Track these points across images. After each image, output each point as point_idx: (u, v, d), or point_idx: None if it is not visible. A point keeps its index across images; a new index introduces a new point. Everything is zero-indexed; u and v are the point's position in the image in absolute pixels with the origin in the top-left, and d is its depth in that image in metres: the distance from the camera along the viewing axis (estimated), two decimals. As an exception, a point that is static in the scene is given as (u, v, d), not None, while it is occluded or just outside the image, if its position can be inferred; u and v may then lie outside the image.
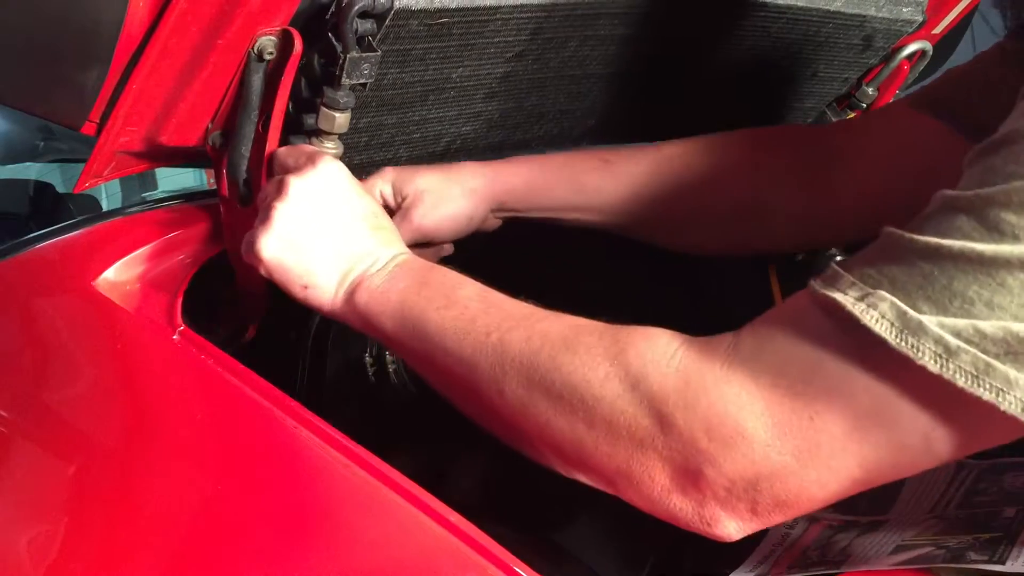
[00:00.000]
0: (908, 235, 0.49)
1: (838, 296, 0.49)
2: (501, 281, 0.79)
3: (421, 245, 0.87)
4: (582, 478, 0.58)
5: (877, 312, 0.47)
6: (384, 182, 0.84)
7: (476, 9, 0.76)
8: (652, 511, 0.55)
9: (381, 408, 0.90)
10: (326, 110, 0.71)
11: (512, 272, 0.90)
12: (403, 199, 0.84)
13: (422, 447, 0.90)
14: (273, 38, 0.68)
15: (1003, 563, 0.64)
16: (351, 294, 0.67)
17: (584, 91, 0.98)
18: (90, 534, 0.63)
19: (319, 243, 0.68)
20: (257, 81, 0.70)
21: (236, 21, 0.65)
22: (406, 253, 0.70)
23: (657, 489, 0.53)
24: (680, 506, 0.53)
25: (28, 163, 3.13)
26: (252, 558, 0.57)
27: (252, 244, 0.68)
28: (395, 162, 0.93)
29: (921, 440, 0.49)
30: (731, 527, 0.53)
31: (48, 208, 2.97)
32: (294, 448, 0.61)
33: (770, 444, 0.50)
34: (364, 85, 0.71)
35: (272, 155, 0.73)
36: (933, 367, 0.46)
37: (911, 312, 0.47)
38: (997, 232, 0.45)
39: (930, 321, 0.46)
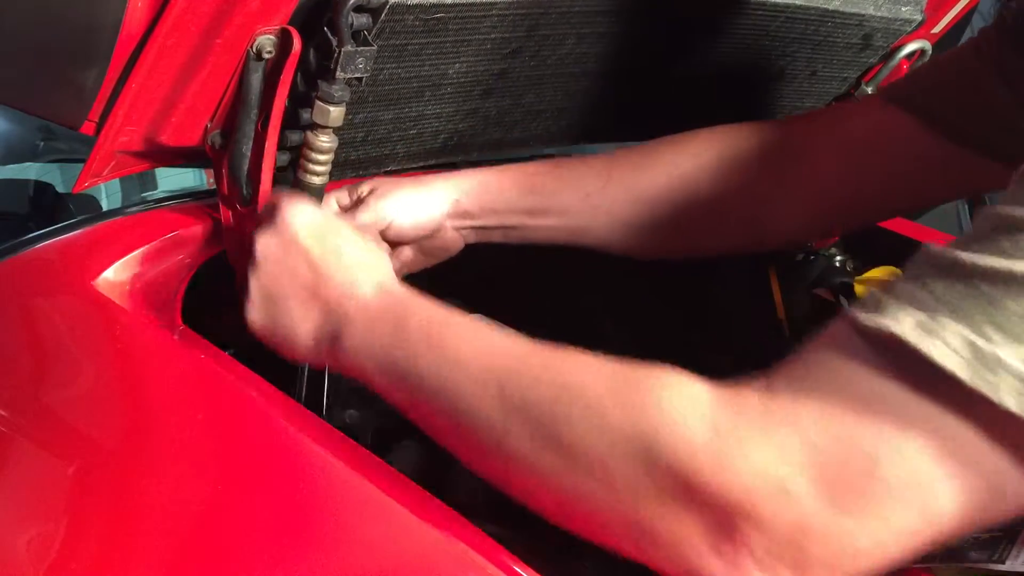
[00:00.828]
0: (966, 256, 0.43)
1: (893, 326, 0.43)
2: (499, 304, 0.79)
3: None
4: (597, 539, 0.52)
5: (944, 344, 0.42)
6: (337, 191, 0.83)
7: (472, 5, 0.76)
8: (679, 575, 0.48)
9: (381, 408, 0.90)
10: (320, 103, 0.71)
11: (510, 294, 0.90)
12: (358, 196, 0.83)
13: (422, 447, 0.90)
14: (272, 37, 0.68)
15: (1003, 563, 0.64)
16: (333, 354, 0.64)
17: (582, 89, 0.98)
18: (90, 534, 0.63)
19: (289, 306, 0.66)
20: (256, 80, 0.70)
21: (235, 20, 0.65)
22: (377, 287, 0.64)
23: (686, 553, 0.47)
24: (713, 570, 0.46)
25: (28, 163, 3.13)
26: (252, 558, 0.57)
27: (244, 317, 0.68)
28: (392, 158, 0.93)
29: (998, 485, 0.43)
30: None
31: (48, 208, 2.98)
32: (294, 448, 0.61)
33: (817, 498, 0.44)
34: (360, 80, 0.71)
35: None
36: (1014, 406, 0.40)
37: (982, 343, 0.41)
38: None
39: (1007, 354, 0.41)
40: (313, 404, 0.86)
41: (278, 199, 0.70)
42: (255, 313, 0.68)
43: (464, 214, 0.85)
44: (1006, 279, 0.42)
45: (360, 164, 0.92)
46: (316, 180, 0.74)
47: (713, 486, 0.45)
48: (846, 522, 0.44)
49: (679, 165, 0.85)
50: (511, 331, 0.58)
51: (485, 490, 0.86)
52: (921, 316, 0.43)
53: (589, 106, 1.02)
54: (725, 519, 0.45)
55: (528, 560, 0.53)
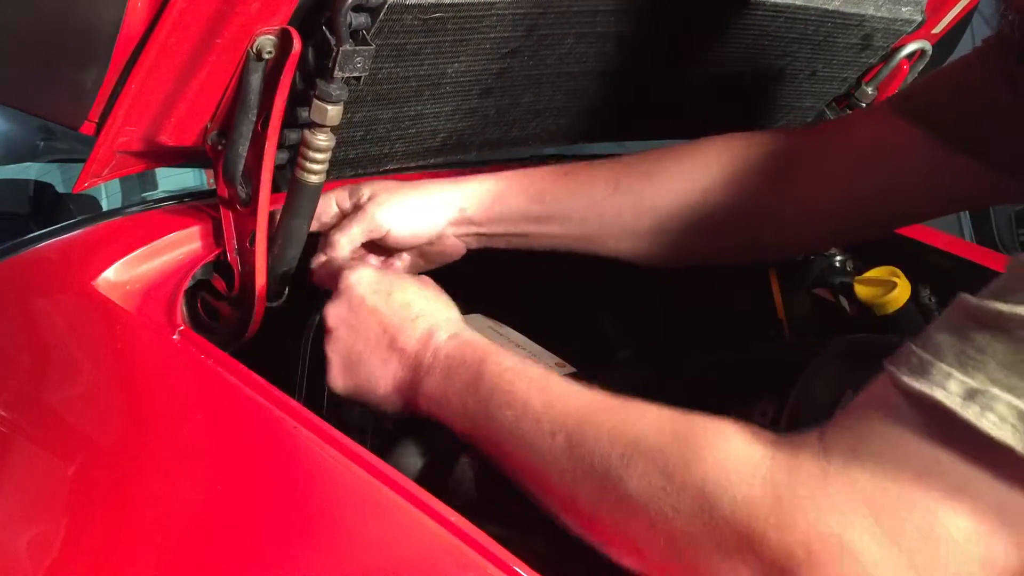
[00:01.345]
0: (1007, 308, 0.43)
1: (940, 395, 0.44)
2: (499, 304, 0.80)
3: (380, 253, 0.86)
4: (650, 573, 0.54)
5: (995, 415, 0.42)
6: (338, 191, 0.84)
7: (470, 4, 0.76)
8: None
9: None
10: (319, 102, 0.71)
11: (509, 292, 0.90)
12: (357, 200, 0.83)
13: (423, 447, 0.90)
14: (272, 37, 0.68)
15: None
16: (415, 403, 0.69)
17: (580, 89, 0.98)
18: (90, 534, 0.63)
19: (370, 365, 0.70)
20: (256, 80, 0.70)
21: (235, 20, 0.65)
22: (450, 336, 0.68)
23: None
24: None
25: (28, 163, 3.13)
26: (252, 558, 0.57)
27: (329, 385, 0.72)
28: (390, 157, 0.93)
29: None
30: None
31: (48, 208, 2.98)
32: (294, 448, 0.61)
33: (881, 558, 0.44)
34: (358, 79, 0.71)
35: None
36: None
37: None
38: None
39: None
40: (313, 404, 0.86)
41: (338, 269, 0.75)
42: (339, 379, 0.72)
43: (468, 221, 0.85)
44: None
45: (358, 163, 0.92)
46: (314, 179, 0.74)
47: (774, 542, 0.46)
48: None
49: (688, 174, 0.85)
50: (577, 382, 0.61)
51: (485, 490, 0.87)
52: (969, 382, 0.43)
53: (588, 106, 1.02)
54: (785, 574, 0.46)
55: (528, 560, 0.53)
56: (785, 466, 0.48)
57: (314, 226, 0.81)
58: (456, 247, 0.86)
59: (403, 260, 0.86)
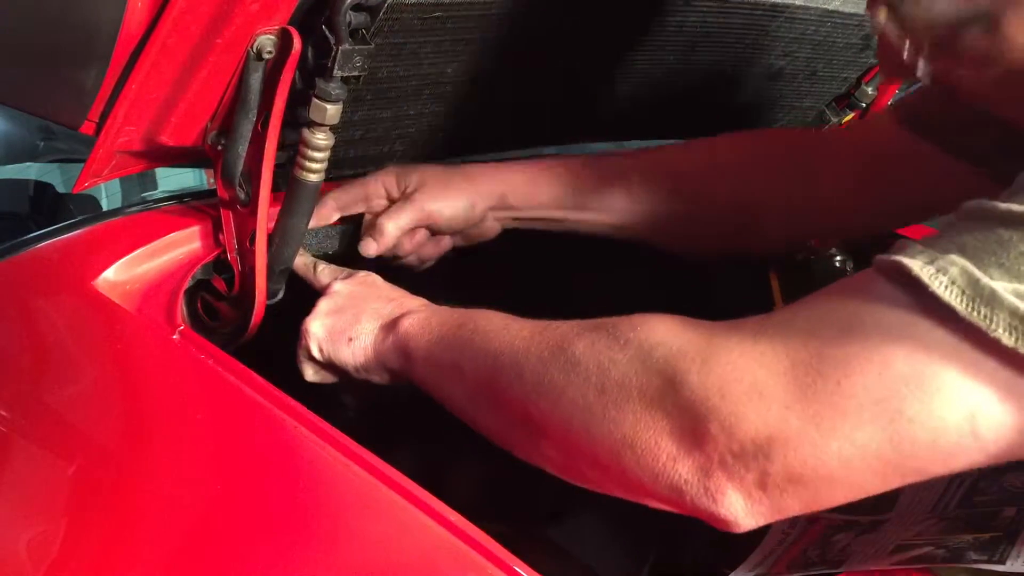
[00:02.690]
0: (988, 202, 0.45)
1: (904, 259, 0.45)
2: (505, 299, 0.80)
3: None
4: (584, 467, 0.56)
5: (947, 277, 0.43)
6: (386, 175, 0.88)
7: (470, 4, 0.76)
8: (656, 490, 0.51)
9: (381, 408, 0.90)
10: (318, 101, 0.71)
11: (516, 291, 0.90)
12: (406, 187, 0.88)
13: (422, 447, 0.90)
14: (272, 37, 0.68)
15: (1003, 563, 0.64)
16: (393, 327, 0.71)
17: (580, 88, 0.98)
18: (90, 534, 0.63)
19: (360, 307, 0.75)
20: (256, 80, 0.70)
21: (235, 20, 0.65)
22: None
23: (662, 458, 0.49)
24: (685, 477, 0.48)
25: (28, 163, 3.13)
26: (252, 558, 0.57)
27: (302, 332, 0.75)
28: (390, 157, 0.93)
29: (977, 424, 0.44)
30: (737, 505, 0.48)
31: (48, 208, 2.98)
32: (294, 448, 0.61)
33: (789, 405, 0.45)
34: (357, 78, 0.71)
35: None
36: (1007, 340, 0.42)
37: (984, 279, 0.43)
38: None
39: (1004, 289, 0.42)
40: (313, 404, 0.86)
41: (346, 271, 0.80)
42: (318, 321, 0.75)
43: (509, 207, 0.90)
44: (1017, 221, 0.43)
45: (358, 162, 0.92)
46: (312, 178, 0.74)
47: (693, 381, 0.49)
48: (812, 433, 0.45)
49: (720, 168, 0.90)
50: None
51: (485, 490, 0.86)
52: (935, 254, 0.44)
53: (588, 105, 1.02)
54: (699, 422, 0.48)
55: (528, 560, 0.53)
56: (726, 326, 0.51)
57: (361, 208, 0.88)
58: (494, 228, 0.92)
59: (443, 243, 0.91)
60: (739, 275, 1.08)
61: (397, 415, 0.90)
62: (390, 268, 0.89)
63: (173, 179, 4.55)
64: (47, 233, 0.84)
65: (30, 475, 0.70)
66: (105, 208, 3.48)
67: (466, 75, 0.86)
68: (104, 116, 0.70)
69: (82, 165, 0.73)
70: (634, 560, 0.92)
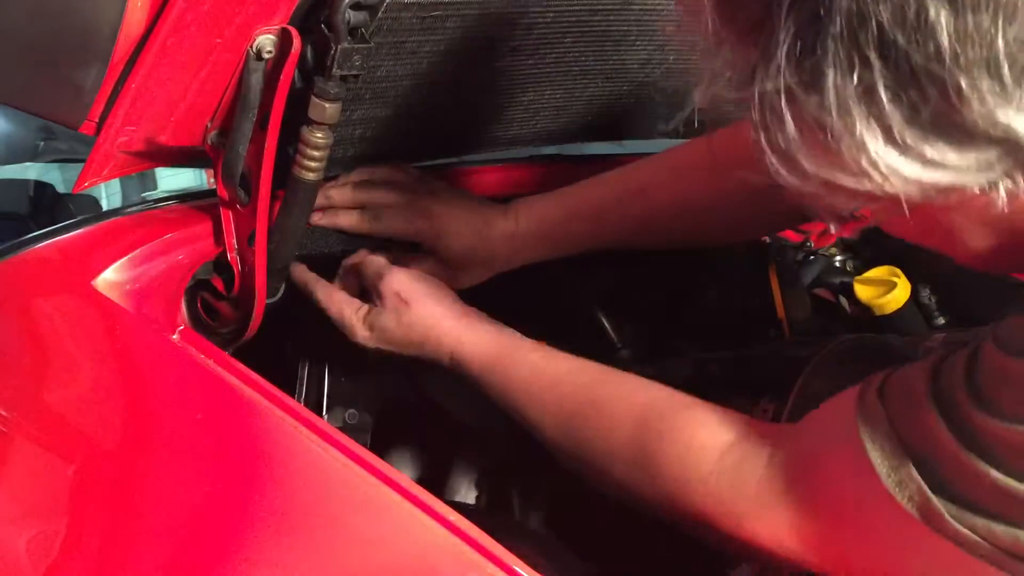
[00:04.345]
0: (969, 412, 0.48)
1: (875, 458, 0.51)
2: (512, 315, 0.81)
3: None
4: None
5: (906, 494, 0.50)
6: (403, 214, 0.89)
7: (470, 3, 0.76)
8: None
9: (381, 408, 0.90)
10: (317, 100, 0.71)
11: (522, 306, 0.90)
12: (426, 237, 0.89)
13: (422, 447, 0.90)
14: (272, 37, 0.68)
15: None
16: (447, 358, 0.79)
17: (580, 88, 0.98)
18: (90, 534, 0.63)
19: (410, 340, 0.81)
20: (256, 80, 0.70)
21: (235, 20, 0.65)
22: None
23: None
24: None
25: (28, 163, 3.13)
26: (252, 558, 0.57)
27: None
28: (389, 156, 0.93)
29: None
30: None
31: (48, 208, 2.98)
32: (294, 448, 0.61)
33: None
34: (356, 77, 0.71)
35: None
36: (908, 507, 0.49)
37: (936, 503, 0.49)
38: None
39: (951, 516, 0.48)
40: (313, 404, 0.86)
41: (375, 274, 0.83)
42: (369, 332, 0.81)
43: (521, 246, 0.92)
44: (1006, 494, 0.47)
45: (357, 161, 0.92)
46: (311, 176, 0.74)
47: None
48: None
49: (673, 169, 0.91)
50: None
51: (484, 490, 0.86)
52: (902, 462, 0.51)
53: (588, 105, 1.02)
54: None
55: (528, 560, 0.53)
56: (734, 468, 0.60)
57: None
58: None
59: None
60: (738, 272, 1.08)
61: (397, 415, 0.90)
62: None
63: (173, 179, 4.56)
64: (47, 233, 0.83)
65: (30, 475, 0.70)
66: (105, 208, 3.48)
67: (466, 75, 0.86)
68: (104, 116, 0.70)
69: (82, 165, 0.73)
70: (634, 560, 0.92)
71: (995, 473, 0.46)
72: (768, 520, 0.58)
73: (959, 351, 0.51)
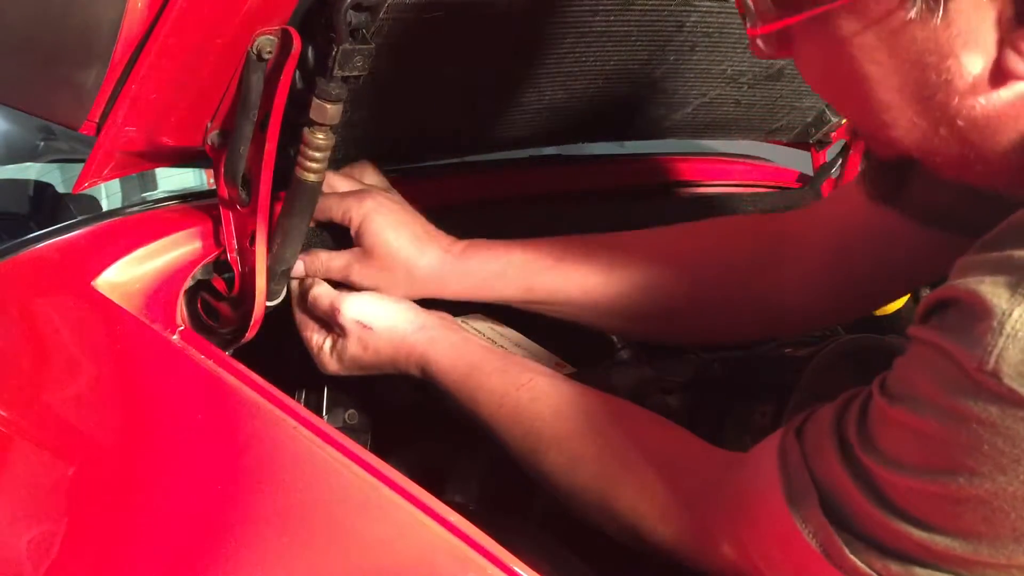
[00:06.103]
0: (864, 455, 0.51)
1: (785, 492, 0.54)
2: (513, 315, 0.80)
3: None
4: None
5: (809, 528, 0.53)
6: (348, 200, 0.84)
7: (471, 4, 0.76)
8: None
9: (381, 408, 0.90)
10: (318, 101, 0.71)
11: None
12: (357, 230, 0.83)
13: (422, 447, 0.90)
14: (272, 38, 0.68)
15: None
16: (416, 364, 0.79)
17: (580, 88, 0.98)
18: (90, 534, 0.63)
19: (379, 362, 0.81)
20: (256, 81, 0.70)
21: (235, 20, 0.65)
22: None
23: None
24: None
25: (28, 163, 3.13)
26: (252, 558, 0.57)
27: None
28: (389, 157, 0.93)
29: None
30: None
31: (48, 208, 2.97)
32: (294, 448, 0.61)
33: None
34: (357, 78, 0.71)
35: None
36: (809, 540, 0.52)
37: (836, 538, 0.51)
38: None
39: (851, 552, 0.51)
40: (313, 405, 0.86)
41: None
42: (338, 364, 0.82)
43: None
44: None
45: (357, 161, 0.91)
46: (312, 177, 0.74)
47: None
48: None
49: (681, 260, 0.86)
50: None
51: (484, 490, 0.86)
52: (811, 510, 0.53)
53: (588, 105, 1.02)
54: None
55: (528, 560, 0.53)
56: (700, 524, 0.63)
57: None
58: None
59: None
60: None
61: (397, 415, 0.90)
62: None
63: (173, 179, 4.56)
64: (47, 233, 0.83)
65: (30, 475, 0.70)
66: (105, 208, 3.48)
67: (466, 75, 0.86)
68: (104, 116, 0.70)
69: (82, 165, 0.73)
70: (633, 560, 0.92)
71: (884, 512, 0.49)
72: (723, 549, 0.61)
73: (864, 390, 0.53)
